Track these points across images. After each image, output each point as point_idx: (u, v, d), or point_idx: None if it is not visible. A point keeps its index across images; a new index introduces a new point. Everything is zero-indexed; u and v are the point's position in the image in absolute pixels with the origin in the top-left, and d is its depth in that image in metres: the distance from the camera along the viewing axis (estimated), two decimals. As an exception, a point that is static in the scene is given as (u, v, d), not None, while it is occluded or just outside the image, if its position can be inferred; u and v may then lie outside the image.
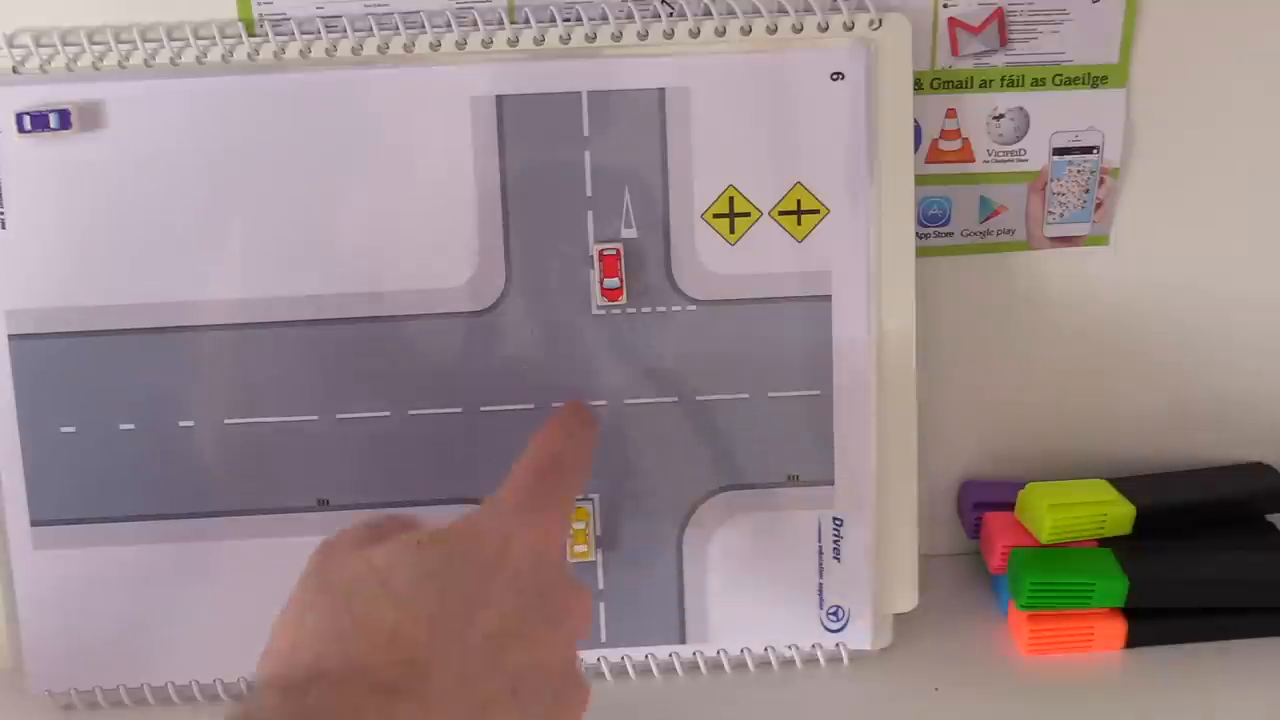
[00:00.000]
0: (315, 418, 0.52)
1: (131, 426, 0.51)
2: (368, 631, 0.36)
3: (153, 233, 0.50)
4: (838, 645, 0.54)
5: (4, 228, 0.50)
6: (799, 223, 0.51)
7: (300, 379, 0.51)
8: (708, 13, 0.50)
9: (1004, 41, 0.54)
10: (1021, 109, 0.55)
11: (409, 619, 0.37)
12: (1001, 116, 0.55)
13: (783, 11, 0.51)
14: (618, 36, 0.50)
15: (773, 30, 0.50)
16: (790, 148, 0.51)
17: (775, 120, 0.51)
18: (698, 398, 0.52)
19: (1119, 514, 0.55)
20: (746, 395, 0.52)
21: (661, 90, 0.50)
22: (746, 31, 0.50)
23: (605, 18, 0.50)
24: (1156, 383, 0.59)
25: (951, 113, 0.54)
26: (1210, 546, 0.55)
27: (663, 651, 0.54)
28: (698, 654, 0.54)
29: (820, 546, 0.53)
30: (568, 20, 0.50)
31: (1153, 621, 0.54)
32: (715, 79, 0.50)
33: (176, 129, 0.50)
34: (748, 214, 0.51)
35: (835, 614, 0.54)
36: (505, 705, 0.37)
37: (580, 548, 0.53)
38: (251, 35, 0.50)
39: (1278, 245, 0.57)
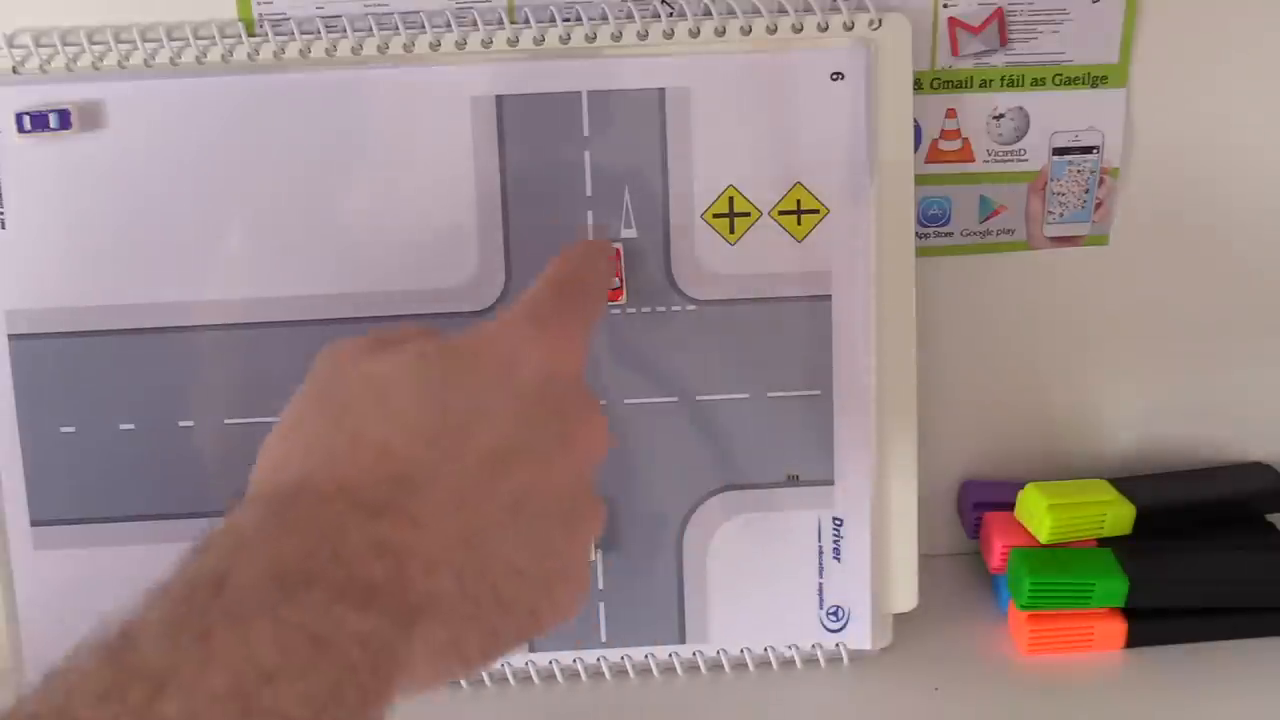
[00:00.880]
0: (315, 418, 0.52)
1: (131, 426, 0.51)
2: (357, 447, 0.35)
3: (152, 233, 0.50)
4: (838, 645, 0.54)
5: (4, 228, 0.50)
6: (799, 223, 0.51)
7: (300, 379, 0.51)
8: (708, 13, 0.50)
9: (1004, 41, 0.54)
10: (1021, 109, 0.55)
11: (402, 435, 0.35)
12: (1001, 116, 0.55)
13: (783, 11, 0.51)
14: (618, 36, 0.50)
15: (773, 30, 0.50)
16: (790, 148, 0.51)
17: (775, 120, 0.51)
18: (698, 398, 0.52)
19: (1119, 514, 0.55)
20: (746, 395, 0.52)
21: (661, 90, 0.50)
22: (746, 31, 0.50)
23: (605, 18, 0.50)
24: (1156, 383, 0.59)
25: (951, 113, 0.54)
26: (1210, 546, 0.55)
27: (663, 651, 0.54)
28: (698, 654, 0.54)
29: (820, 546, 0.53)
30: (568, 20, 0.50)
31: (1153, 621, 0.54)
32: (715, 79, 0.50)
33: (176, 129, 0.50)
34: (748, 214, 0.51)
35: (835, 614, 0.54)
36: (503, 525, 0.35)
37: (580, 548, 0.53)
38: (251, 35, 0.50)
39: (1277, 245, 0.57)
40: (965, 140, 0.55)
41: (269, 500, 0.34)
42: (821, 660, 0.54)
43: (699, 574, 0.53)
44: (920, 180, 0.54)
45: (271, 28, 0.50)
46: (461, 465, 0.35)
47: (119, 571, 0.52)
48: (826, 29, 0.50)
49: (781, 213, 0.51)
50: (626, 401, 0.52)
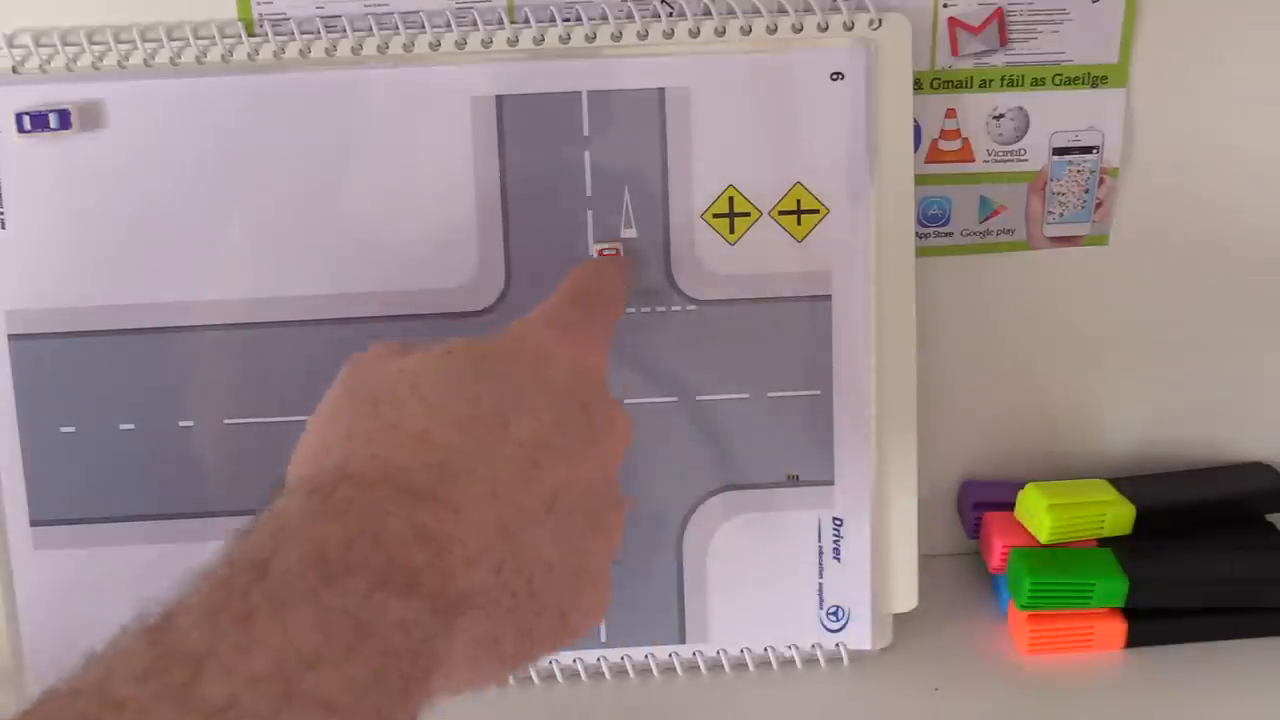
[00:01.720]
0: (315, 418, 0.52)
1: (131, 426, 0.51)
2: (397, 434, 0.35)
3: (152, 233, 0.50)
4: (838, 645, 0.54)
5: (4, 228, 0.50)
6: (799, 223, 0.51)
7: (300, 379, 0.51)
8: (708, 13, 0.50)
9: (1004, 41, 0.54)
10: (1021, 109, 0.55)
11: (439, 423, 0.35)
12: (1001, 116, 0.55)
13: (783, 11, 0.51)
14: (618, 36, 0.50)
15: (773, 30, 0.50)
16: (790, 148, 0.51)
17: (775, 120, 0.51)
18: (698, 398, 0.52)
19: (1119, 514, 0.55)
20: (746, 395, 0.52)
21: (661, 90, 0.50)
22: (746, 31, 0.50)
23: (605, 18, 0.50)
24: (1156, 382, 0.59)
25: (951, 113, 0.54)
26: (1210, 546, 0.55)
27: (663, 651, 0.54)
28: (698, 654, 0.54)
29: (820, 546, 0.53)
30: (568, 20, 0.50)
31: (1153, 621, 0.54)
32: (715, 79, 0.50)
33: (176, 129, 0.50)
34: (748, 214, 0.51)
35: (835, 614, 0.54)
36: (538, 518, 0.35)
37: (580, 548, 0.53)
38: (251, 35, 0.50)
39: (1277, 245, 0.57)
40: (965, 140, 0.55)
41: (311, 486, 0.34)
42: (821, 660, 0.54)
43: (699, 574, 0.53)
44: (920, 180, 0.54)
45: (271, 28, 0.50)
46: (497, 455, 0.35)
47: (119, 571, 0.52)
48: (826, 29, 0.50)
49: (781, 213, 0.51)
50: (627, 401, 0.52)
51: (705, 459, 0.53)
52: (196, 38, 0.50)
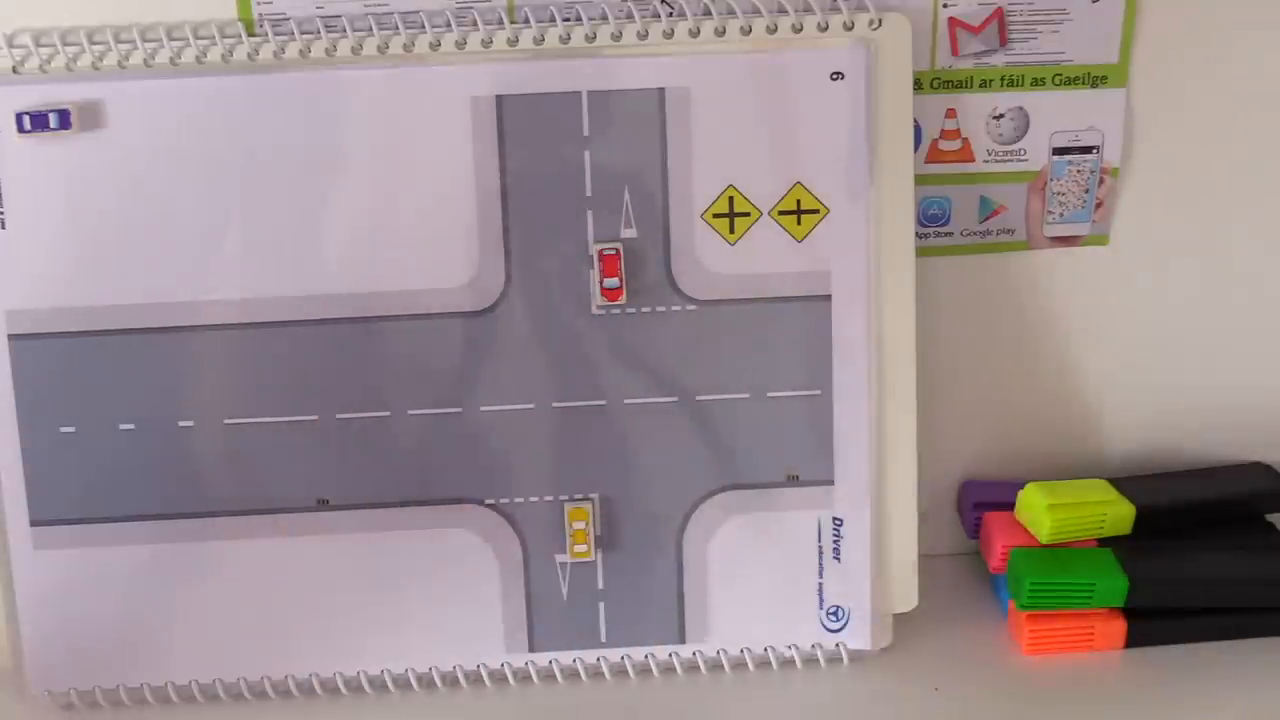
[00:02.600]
0: (315, 418, 0.52)
1: (131, 426, 0.51)
2: None
3: (153, 232, 0.50)
4: (838, 645, 0.54)
5: (4, 228, 0.50)
6: (799, 223, 0.51)
7: (300, 379, 0.51)
8: (708, 13, 0.50)
9: (1004, 41, 0.54)
10: (1021, 109, 0.55)
11: None
12: (1001, 116, 0.55)
13: (783, 11, 0.51)
14: (618, 36, 0.50)
15: (773, 30, 0.50)
16: (790, 148, 0.51)
17: (775, 120, 0.51)
18: (698, 398, 0.52)
19: (1119, 514, 0.55)
20: (746, 395, 0.52)
21: (661, 90, 0.50)
22: (746, 31, 0.50)
23: (605, 18, 0.50)
24: (1156, 383, 0.59)
25: (951, 113, 0.54)
26: (1210, 546, 0.55)
27: (663, 651, 0.54)
28: (698, 654, 0.54)
29: (820, 546, 0.53)
30: (568, 20, 0.50)
31: (1153, 621, 0.54)
32: (715, 79, 0.50)
33: (176, 129, 0.50)
34: (748, 214, 0.51)
35: (835, 614, 0.54)
36: None
37: (580, 547, 0.53)
38: (251, 35, 0.50)
39: (1277, 245, 0.57)
40: (965, 140, 0.55)
41: None
42: (821, 660, 0.54)
43: (699, 574, 0.53)
44: (920, 180, 0.54)
45: (271, 28, 0.50)
46: None
47: (119, 571, 0.52)
48: (826, 29, 0.50)
49: (781, 213, 0.51)
50: (626, 401, 0.52)
51: (705, 459, 0.53)
52: (196, 38, 0.50)
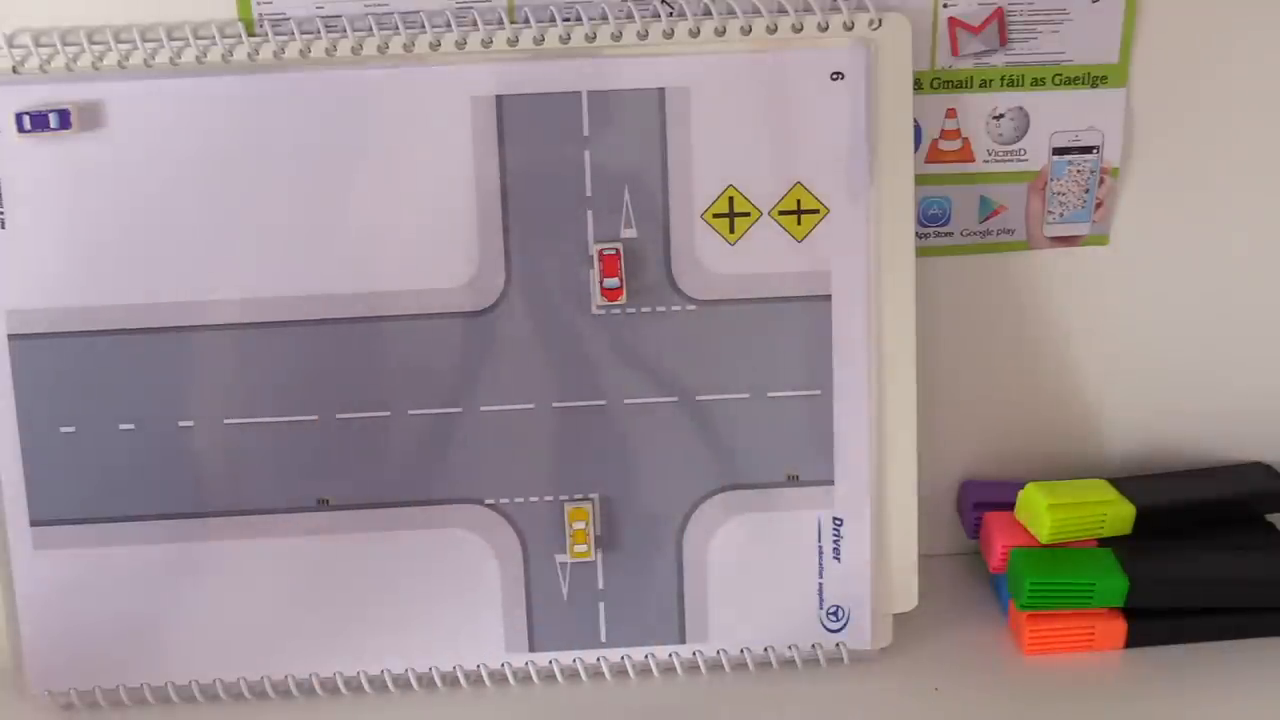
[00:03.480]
0: (315, 418, 0.52)
1: (131, 426, 0.51)
2: None
3: (152, 232, 0.50)
4: (838, 645, 0.54)
5: (4, 228, 0.50)
6: (799, 223, 0.51)
7: (300, 379, 0.51)
8: (708, 13, 0.50)
9: (1004, 41, 0.54)
10: (1021, 109, 0.55)
11: None
12: (1001, 116, 0.55)
13: (783, 11, 0.51)
14: (618, 36, 0.50)
15: (773, 30, 0.50)
16: (790, 148, 0.51)
17: (775, 120, 0.51)
18: (698, 398, 0.52)
19: (1119, 514, 0.55)
20: (746, 395, 0.52)
21: (661, 90, 0.50)
22: (746, 31, 0.50)
23: (605, 18, 0.50)
24: (1156, 383, 0.59)
25: (951, 112, 0.54)
26: (1210, 546, 0.55)
27: (663, 651, 0.54)
28: (698, 654, 0.54)
29: (820, 546, 0.53)
30: (568, 20, 0.50)
31: (1153, 621, 0.54)
32: (715, 79, 0.50)
33: (176, 129, 0.50)
34: (748, 214, 0.51)
35: (835, 614, 0.54)
36: None
37: (580, 547, 0.53)
38: (251, 35, 0.50)
39: (1277, 245, 0.57)
40: (965, 140, 0.55)
41: None
42: (821, 660, 0.54)
43: (699, 574, 0.53)
44: (920, 180, 0.54)
45: (271, 28, 0.50)
46: None
47: (119, 571, 0.52)
48: (826, 29, 0.50)
49: (781, 213, 0.51)
50: (626, 401, 0.52)
51: (705, 459, 0.53)
52: (196, 38, 0.50)
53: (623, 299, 0.51)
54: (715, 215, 0.51)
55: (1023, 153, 0.55)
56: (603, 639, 0.54)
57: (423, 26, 0.50)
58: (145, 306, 0.51)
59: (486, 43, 0.50)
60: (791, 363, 0.52)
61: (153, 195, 0.50)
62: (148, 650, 0.53)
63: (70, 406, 0.51)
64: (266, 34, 0.50)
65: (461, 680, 0.53)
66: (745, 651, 0.54)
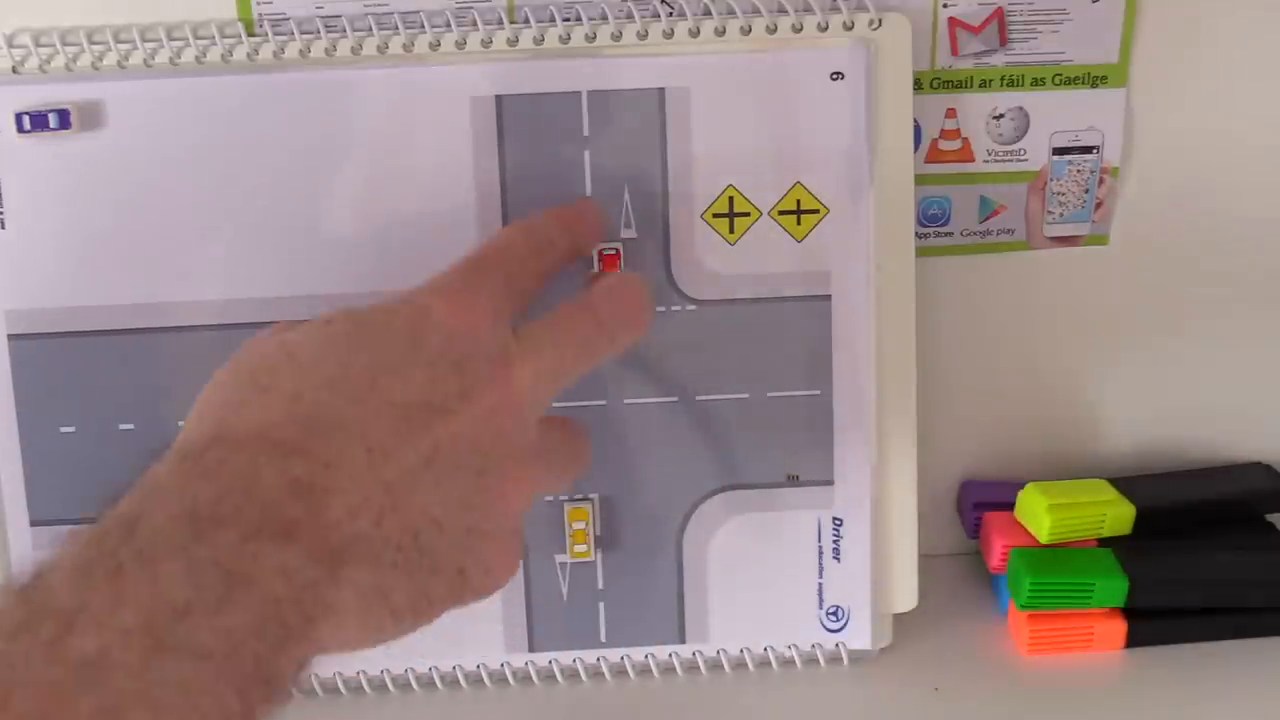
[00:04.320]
0: (315, 418, 0.52)
1: (131, 426, 0.51)
2: (269, 396, 0.36)
3: (153, 232, 0.50)
4: (837, 645, 0.54)
5: (4, 228, 0.50)
6: (799, 222, 0.51)
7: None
8: (708, 13, 0.50)
9: (1004, 41, 0.54)
10: (1021, 109, 0.55)
11: (311, 384, 0.36)
12: (1001, 116, 0.55)
13: (783, 11, 0.51)
14: (617, 36, 0.50)
15: (773, 30, 0.50)
16: (790, 148, 0.51)
17: (775, 120, 0.51)
18: (698, 398, 0.52)
19: (1119, 514, 0.55)
20: (746, 395, 0.52)
21: (661, 90, 0.50)
22: (746, 31, 0.50)
23: (605, 18, 0.50)
24: (1155, 382, 0.59)
25: (951, 112, 0.54)
26: (1210, 546, 0.55)
27: (662, 651, 0.54)
28: (697, 654, 0.54)
29: (820, 546, 0.53)
30: (568, 20, 0.50)
31: (1153, 621, 0.54)
32: (715, 79, 0.50)
33: (176, 129, 0.50)
34: (747, 214, 0.51)
35: (835, 614, 0.54)
36: (418, 474, 0.36)
37: (580, 547, 0.53)
38: (251, 35, 0.50)
39: (1277, 244, 0.57)
40: (965, 140, 0.55)
41: (184, 450, 0.35)
42: (821, 660, 0.54)
43: (699, 574, 0.53)
44: (920, 180, 0.54)
45: (271, 28, 0.50)
46: (370, 413, 0.36)
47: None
48: (826, 29, 0.50)
49: (781, 213, 0.51)
50: (626, 401, 0.52)
51: (705, 459, 0.53)
52: (196, 38, 0.50)
53: (623, 299, 0.51)
54: (715, 215, 0.51)
55: (1023, 153, 0.55)
56: (602, 639, 0.54)
57: (422, 27, 0.50)
58: (145, 306, 0.51)
59: (486, 43, 0.50)
60: (791, 363, 0.52)
61: (153, 195, 0.50)
62: (148, 650, 0.52)
63: (70, 406, 0.51)
64: (266, 34, 0.50)
65: (461, 680, 0.53)
66: (745, 651, 0.54)
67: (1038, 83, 0.54)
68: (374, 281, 0.51)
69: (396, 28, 0.50)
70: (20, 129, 0.49)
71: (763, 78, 0.50)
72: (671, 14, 0.50)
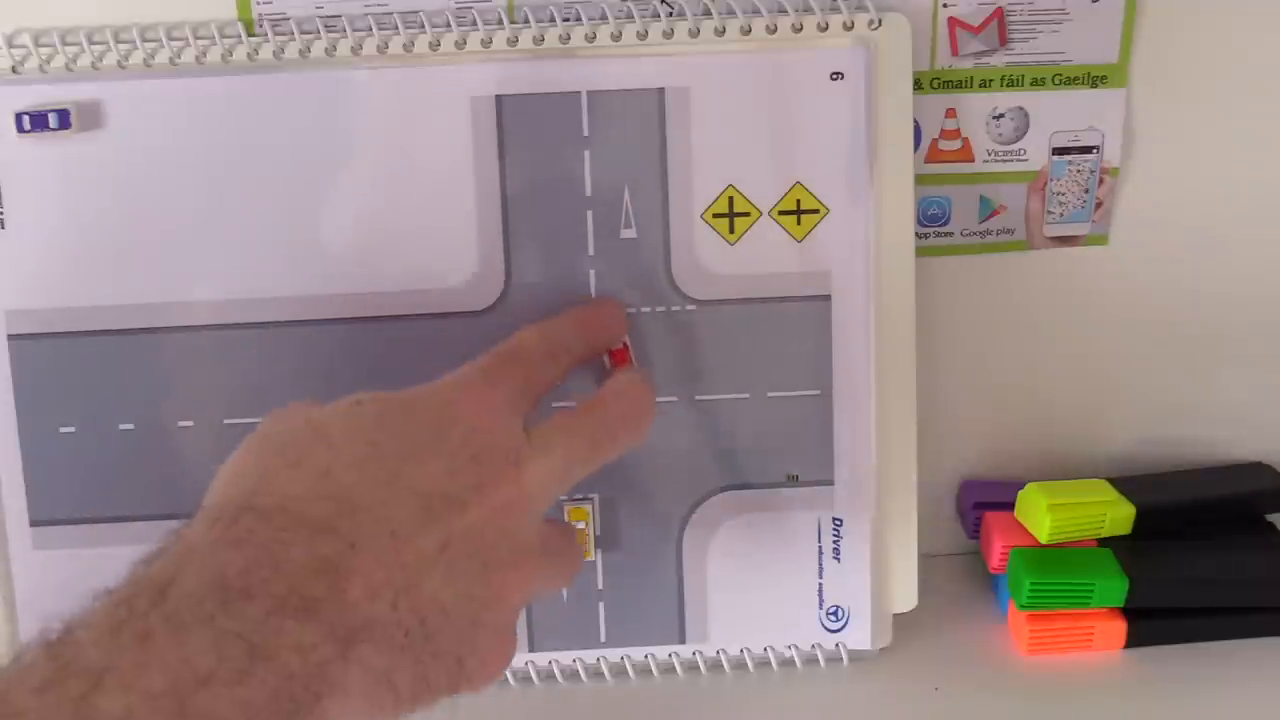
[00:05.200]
0: (315, 418, 0.52)
1: (131, 426, 0.51)
2: (300, 471, 0.37)
3: (153, 232, 0.50)
4: (837, 645, 0.54)
5: (4, 228, 0.50)
6: (799, 223, 0.51)
7: (300, 380, 0.51)
8: (708, 13, 0.50)
9: (1004, 41, 0.54)
10: (1021, 109, 0.55)
11: (341, 463, 0.37)
12: (1001, 116, 0.55)
13: (783, 11, 0.51)
14: (617, 36, 0.50)
15: (773, 30, 0.50)
16: (790, 148, 0.51)
17: (775, 120, 0.51)
18: (698, 398, 0.52)
19: (1119, 514, 0.55)
20: (746, 395, 0.52)
21: (661, 90, 0.50)
22: (746, 31, 0.50)
23: (605, 18, 0.50)
24: (1155, 382, 0.59)
25: (951, 112, 0.54)
26: (1210, 546, 0.55)
27: (662, 652, 0.54)
28: (697, 654, 0.54)
29: (820, 546, 0.53)
30: (568, 20, 0.50)
31: (1153, 621, 0.54)
32: (715, 79, 0.50)
33: (176, 129, 0.50)
34: (747, 214, 0.51)
35: (835, 614, 0.54)
36: (432, 562, 0.37)
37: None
38: (251, 35, 0.50)
39: (1277, 245, 0.57)
40: (965, 140, 0.55)
41: (215, 516, 0.36)
42: (821, 660, 0.54)
43: (699, 574, 0.53)
44: (920, 180, 0.54)
45: (271, 28, 0.50)
46: (394, 497, 0.37)
47: (119, 572, 0.52)
48: (826, 29, 0.50)
49: (781, 213, 0.51)
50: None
51: (705, 459, 0.53)
52: (196, 38, 0.50)
53: (622, 299, 0.51)
54: (715, 215, 0.51)
55: (1022, 153, 0.55)
56: (602, 639, 0.54)
57: (423, 26, 0.50)
58: (145, 306, 0.51)
59: (486, 43, 0.50)
60: (791, 363, 0.52)
61: (153, 195, 0.50)
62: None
63: (70, 406, 0.51)
64: (266, 34, 0.50)
65: None
66: (745, 651, 0.54)
67: (1037, 83, 0.54)
68: (373, 282, 0.51)
69: (396, 28, 0.50)
70: (20, 129, 0.49)
71: (762, 78, 0.50)
72: (671, 14, 0.50)
